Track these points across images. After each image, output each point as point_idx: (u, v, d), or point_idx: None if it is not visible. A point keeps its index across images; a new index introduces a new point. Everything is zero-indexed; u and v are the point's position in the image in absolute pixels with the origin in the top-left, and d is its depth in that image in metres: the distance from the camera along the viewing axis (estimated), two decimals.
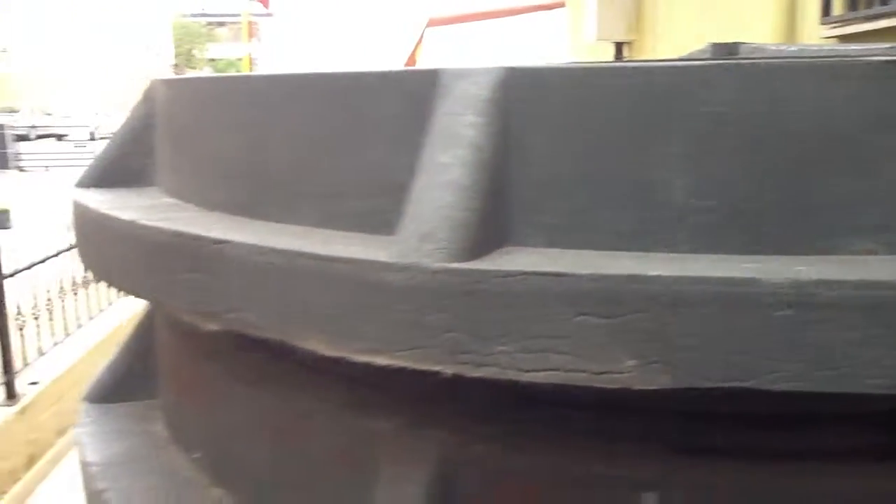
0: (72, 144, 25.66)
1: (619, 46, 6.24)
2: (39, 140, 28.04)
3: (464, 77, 0.63)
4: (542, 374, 0.53)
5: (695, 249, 0.59)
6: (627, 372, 0.53)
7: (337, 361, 0.69)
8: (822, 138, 0.58)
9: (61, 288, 5.14)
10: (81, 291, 5.50)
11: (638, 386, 0.53)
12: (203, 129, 0.85)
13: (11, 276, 4.41)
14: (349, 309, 0.59)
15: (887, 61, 0.58)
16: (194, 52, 54.53)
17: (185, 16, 52.81)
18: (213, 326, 0.74)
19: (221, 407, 0.85)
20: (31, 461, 4.34)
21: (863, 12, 3.41)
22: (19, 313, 4.52)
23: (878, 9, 3.30)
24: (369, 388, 0.72)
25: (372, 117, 0.67)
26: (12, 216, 12.99)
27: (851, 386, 0.53)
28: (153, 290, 0.76)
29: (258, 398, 0.81)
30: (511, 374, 0.55)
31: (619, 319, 0.53)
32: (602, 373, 0.54)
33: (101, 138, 21.31)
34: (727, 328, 0.53)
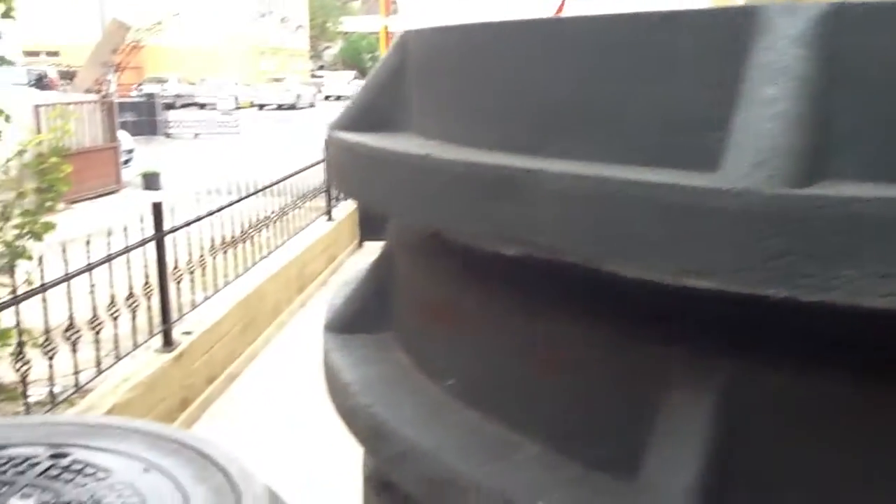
0: (217, 113, 26.91)
1: None
2: (184, 108, 29.54)
3: (787, 13, 0.64)
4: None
5: None
6: None
7: (627, 288, 0.72)
8: None
9: (212, 246, 5.45)
10: (230, 251, 5.81)
11: None
12: (480, 74, 0.89)
13: (170, 232, 4.70)
14: (676, 234, 0.62)
15: None
16: (328, 24, 55.81)
17: None
18: (511, 252, 0.78)
19: (487, 336, 0.90)
20: (184, 404, 4.64)
21: None
22: (176, 267, 4.82)
23: None
24: (655, 316, 0.75)
25: (685, 54, 0.69)
26: (162, 179, 13.78)
27: None
28: (448, 220, 0.81)
29: (530, 326, 0.85)
30: (859, 300, 0.56)
31: None
32: None
33: (244, 107, 22.31)
34: None
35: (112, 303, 3.94)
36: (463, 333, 0.95)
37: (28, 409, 3.24)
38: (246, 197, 6.00)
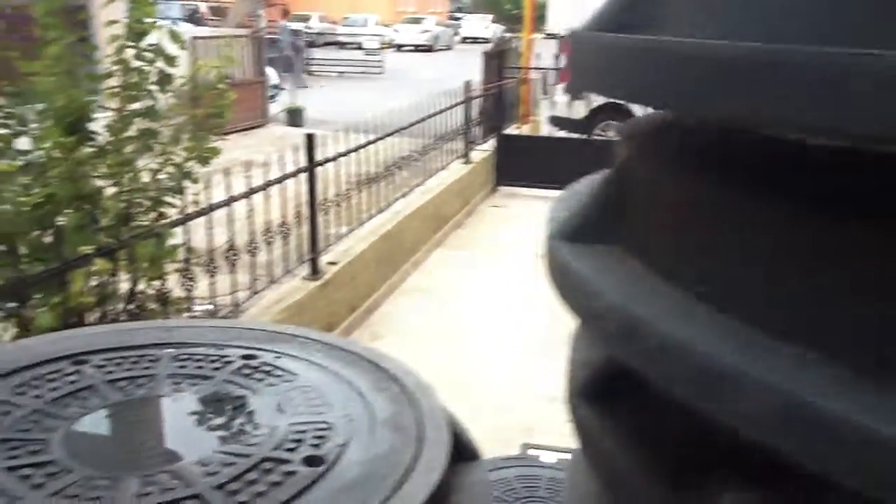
0: (361, 52, 27.36)
1: None
2: (325, 47, 30.26)
3: None
4: None
5: None
6: None
7: None
8: None
9: (358, 181, 5.60)
10: (370, 188, 5.95)
11: None
12: None
13: (322, 164, 4.86)
14: None
15: None
16: None
17: None
18: (817, 142, 0.75)
19: (748, 241, 0.86)
20: (328, 330, 4.86)
21: None
22: (325, 200, 4.99)
23: None
24: None
25: None
26: (305, 115, 14.22)
27: None
28: (761, 108, 0.76)
29: (800, 230, 0.81)
30: None
31: None
32: None
33: (383, 47, 22.66)
34: None
35: (267, 229, 4.13)
36: (718, 240, 0.92)
37: None
38: (386, 136, 6.10)
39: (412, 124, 6.82)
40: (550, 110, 10.56)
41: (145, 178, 3.36)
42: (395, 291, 6.11)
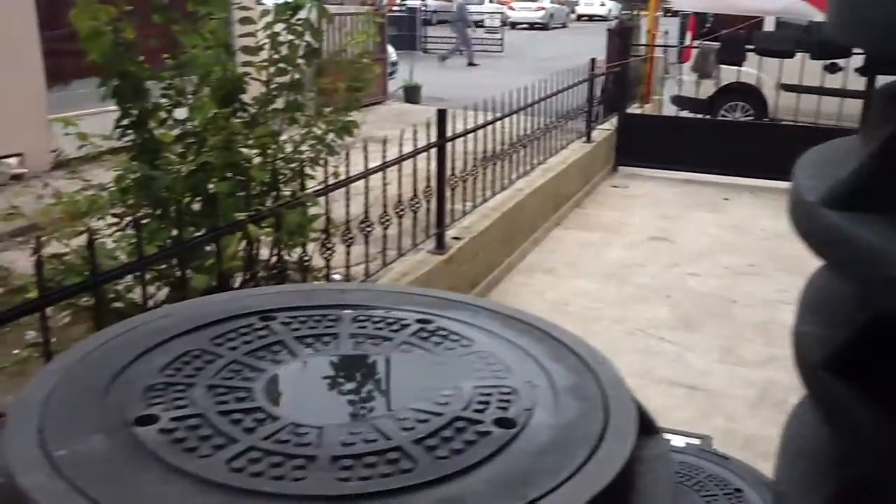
0: (481, 31, 27.28)
1: None
2: (439, 25, 30.39)
3: None
4: None
5: None
6: None
7: None
8: None
9: (484, 157, 5.63)
10: (492, 165, 5.95)
11: None
12: None
13: (451, 140, 4.90)
14: None
15: None
16: None
17: None
18: None
19: None
20: None
21: None
22: (453, 175, 5.04)
23: None
24: None
25: None
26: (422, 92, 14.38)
27: None
28: None
29: None
30: None
31: None
32: None
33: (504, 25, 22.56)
34: None
35: (399, 202, 4.21)
36: None
37: None
38: (510, 114, 6.07)
39: (534, 102, 6.77)
40: (675, 89, 10.27)
41: (288, 149, 3.47)
42: (514, 269, 6.12)
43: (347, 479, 0.97)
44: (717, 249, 6.64)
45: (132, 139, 3.05)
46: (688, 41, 11.95)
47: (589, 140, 8.53)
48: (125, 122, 3.05)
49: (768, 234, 6.98)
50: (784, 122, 9.06)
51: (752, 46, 9.60)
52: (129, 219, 3.21)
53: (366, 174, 3.84)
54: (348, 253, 3.73)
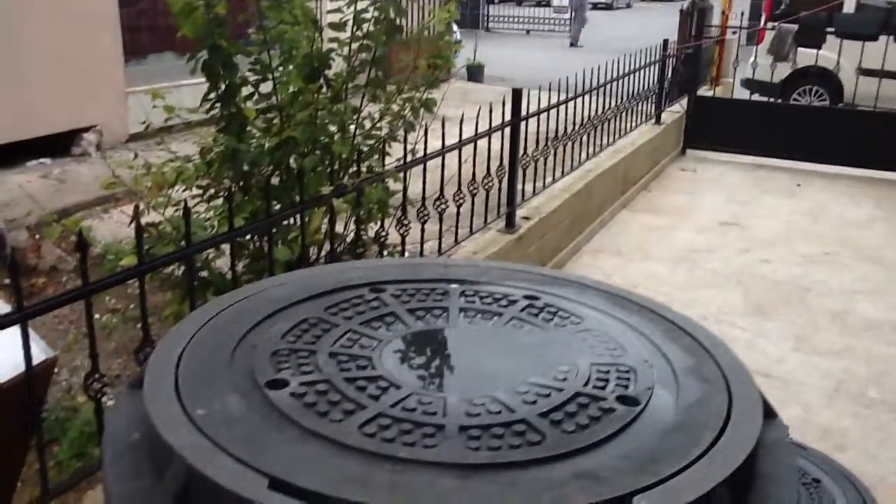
0: (549, 10, 26.94)
1: None
2: (501, 3, 30.14)
3: None
4: None
5: None
6: None
7: None
8: None
9: (555, 137, 5.58)
10: (561, 146, 5.89)
11: None
12: None
13: (524, 119, 4.86)
14: None
15: None
16: None
17: None
18: None
19: None
20: None
21: None
22: (525, 154, 5.02)
23: None
24: None
25: None
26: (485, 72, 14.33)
27: None
28: None
29: None
30: None
31: None
32: None
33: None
34: None
35: (473, 180, 4.21)
36: None
37: None
38: (579, 96, 5.98)
39: (604, 84, 6.67)
40: (747, 72, 10.02)
41: (367, 125, 3.50)
42: (581, 250, 6.08)
43: (477, 449, 0.99)
44: (790, 236, 6.48)
45: (219, 112, 3.10)
46: (762, 23, 11.63)
47: (658, 122, 8.39)
48: (212, 95, 3.10)
49: (844, 222, 6.79)
50: (862, 108, 8.76)
51: (832, 29, 9.30)
52: (212, 191, 3.28)
53: (442, 152, 3.85)
54: (423, 230, 3.75)
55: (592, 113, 6.49)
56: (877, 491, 2.40)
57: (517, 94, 4.64)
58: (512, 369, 1.21)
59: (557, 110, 5.55)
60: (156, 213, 2.98)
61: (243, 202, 3.12)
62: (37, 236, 5.00)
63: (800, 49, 9.37)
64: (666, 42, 8.37)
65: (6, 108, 6.39)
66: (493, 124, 4.44)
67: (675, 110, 8.87)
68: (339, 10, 3.22)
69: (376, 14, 3.22)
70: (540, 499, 0.88)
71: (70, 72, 6.87)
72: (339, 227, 3.36)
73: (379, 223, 3.41)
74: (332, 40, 3.25)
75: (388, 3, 3.23)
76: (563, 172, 5.89)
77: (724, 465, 0.96)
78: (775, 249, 6.16)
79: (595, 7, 37.40)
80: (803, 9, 9.63)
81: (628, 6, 39.16)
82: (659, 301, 1.46)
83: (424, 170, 3.71)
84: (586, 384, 1.16)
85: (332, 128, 3.23)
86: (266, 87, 3.27)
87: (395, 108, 3.51)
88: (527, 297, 1.46)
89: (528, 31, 23.80)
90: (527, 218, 5.13)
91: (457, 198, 4.07)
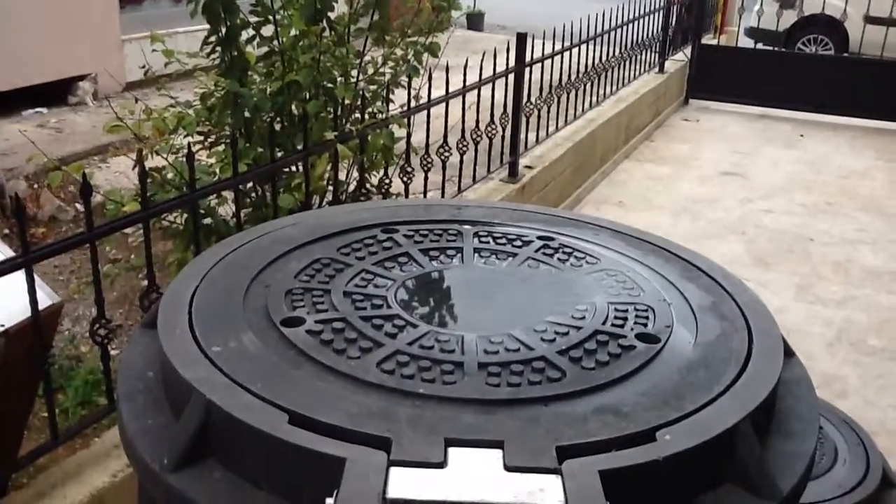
0: None
1: None
2: None
3: None
4: None
5: None
6: None
7: None
8: None
9: (559, 85, 5.51)
10: (563, 95, 5.82)
11: None
12: None
13: (529, 65, 4.79)
14: None
15: None
16: None
17: None
18: None
19: None
20: None
21: None
22: (529, 102, 4.95)
23: None
24: None
25: None
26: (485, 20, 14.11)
27: None
28: None
29: None
30: None
31: None
32: None
33: None
34: None
35: (476, 128, 4.16)
36: None
37: None
38: (581, 43, 5.87)
39: (606, 32, 6.56)
40: (754, 20, 9.86)
41: (370, 70, 3.44)
42: (584, 200, 6.05)
43: (497, 385, 0.98)
44: (792, 186, 6.45)
45: (220, 57, 3.04)
46: None
47: (662, 71, 8.29)
48: (213, 39, 3.04)
49: (846, 172, 6.75)
50: (867, 57, 8.64)
51: None
52: (213, 137, 3.24)
53: (446, 97, 3.79)
54: (426, 178, 3.71)
55: (595, 61, 6.39)
56: (877, 437, 2.41)
57: (521, 39, 4.56)
58: (529, 309, 1.19)
59: (561, 57, 5.46)
60: (158, 157, 2.95)
61: (245, 149, 3.07)
62: (35, 186, 4.96)
63: None
64: None
65: None
66: (497, 71, 4.37)
67: (679, 59, 8.76)
68: None
69: None
70: (563, 433, 0.87)
71: (64, 18, 6.75)
72: (341, 175, 3.32)
73: (382, 171, 3.38)
74: None
75: None
76: (566, 121, 5.83)
77: (748, 401, 0.95)
78: (778, 199, 6.13)
79: None
80: None
81: None
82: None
83: (428, 116, 3.65)
84: (605, 322, 1.15)
85: (336, 72, 3.17)
86: (268, 31, 3.20)
87: (398, 52, 3.44)
88: (541, 238, 1.44)
89: None
90: (530, 167, 5.09)
91: (460, 146, 4.02)
